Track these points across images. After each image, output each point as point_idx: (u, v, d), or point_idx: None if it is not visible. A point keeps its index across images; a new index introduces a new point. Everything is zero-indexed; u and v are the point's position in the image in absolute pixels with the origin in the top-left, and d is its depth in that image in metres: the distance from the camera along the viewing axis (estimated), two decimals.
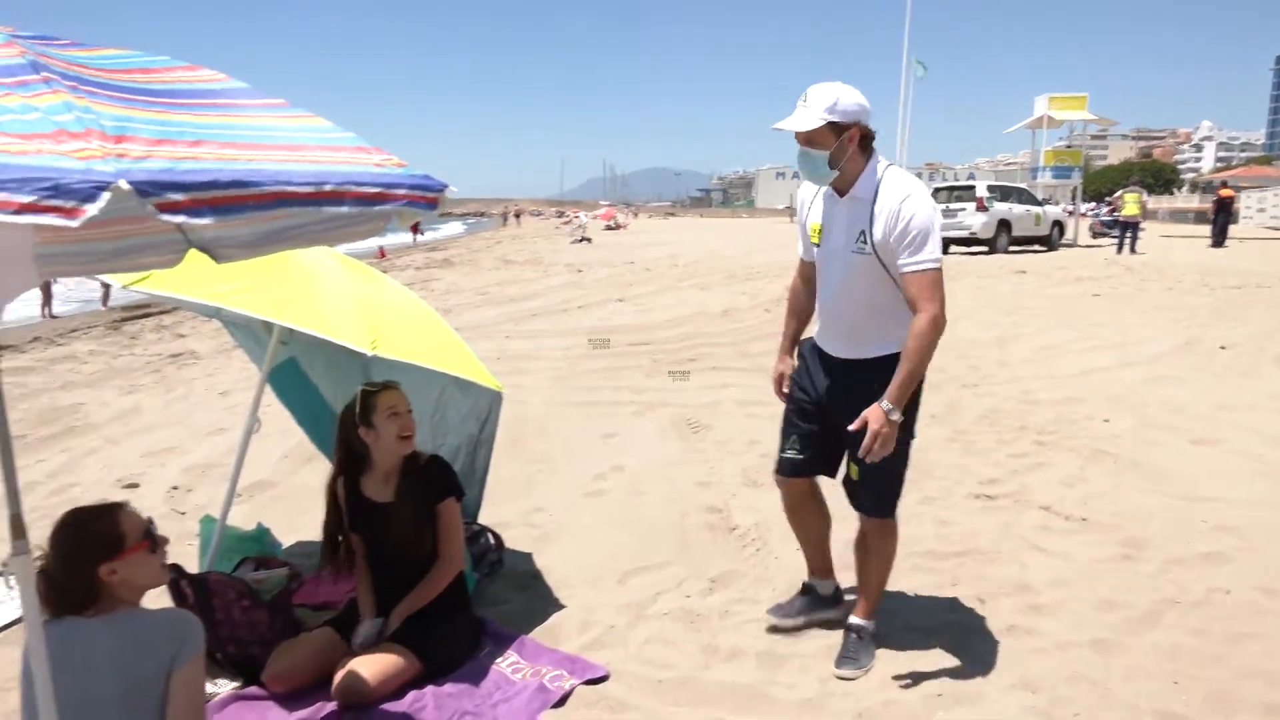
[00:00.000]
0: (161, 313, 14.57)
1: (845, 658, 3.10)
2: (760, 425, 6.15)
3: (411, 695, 2.97)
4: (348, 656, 3.04)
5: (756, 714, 2.84)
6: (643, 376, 8.42)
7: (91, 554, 2.15)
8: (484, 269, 23.33)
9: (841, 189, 2.89)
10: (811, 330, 3.26)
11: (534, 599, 3.74)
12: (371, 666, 2.97)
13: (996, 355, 8.79)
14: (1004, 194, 22.86)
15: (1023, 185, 26.67)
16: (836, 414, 2.98)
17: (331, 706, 2.93)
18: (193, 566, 3.58)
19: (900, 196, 2.76)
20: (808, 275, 3.26)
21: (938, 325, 2.72)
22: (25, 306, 16.13)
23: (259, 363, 4.43)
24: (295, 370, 4.17)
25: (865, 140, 2.82)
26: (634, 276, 19.01)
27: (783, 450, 3.24)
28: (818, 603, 3.42)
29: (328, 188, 1.37)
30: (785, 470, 3.25)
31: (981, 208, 21.68)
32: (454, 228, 63.94)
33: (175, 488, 5.30)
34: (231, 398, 8.00)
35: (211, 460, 5.85)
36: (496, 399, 3.79)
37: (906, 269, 2.75)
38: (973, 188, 22.96)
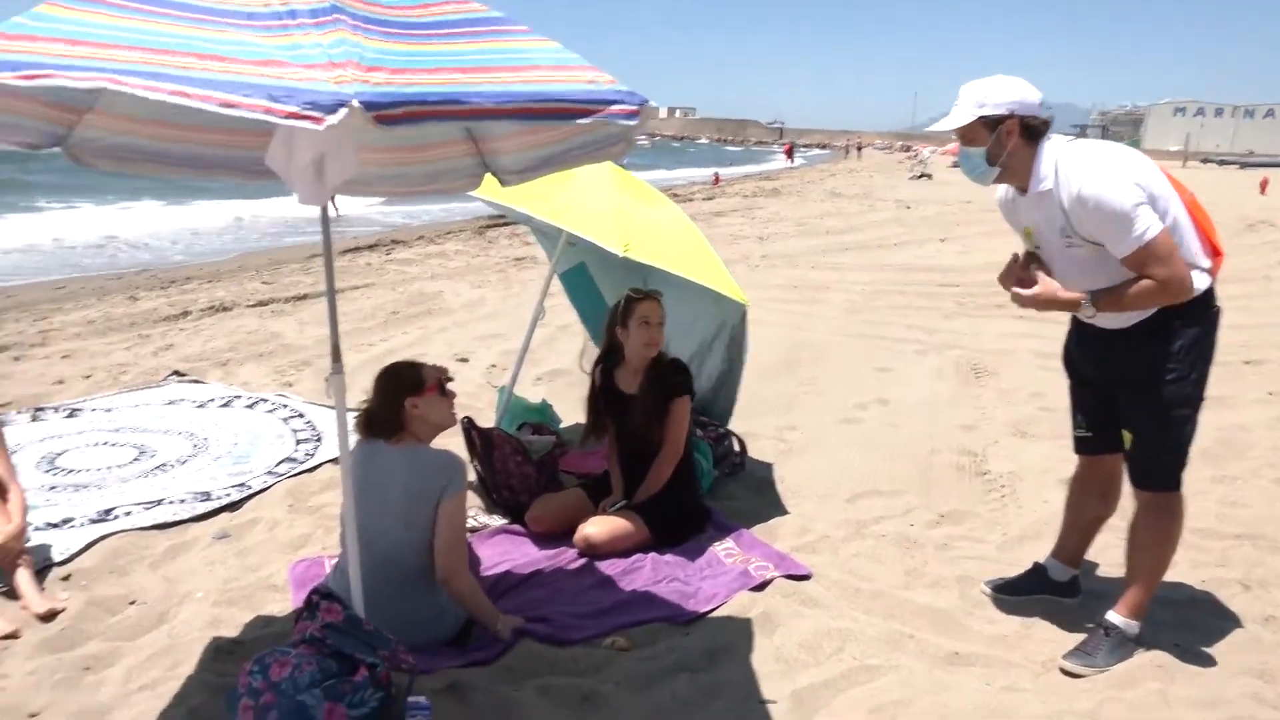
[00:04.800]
0: (516, 223, 16.57)
1: (1080, 651, 2.74)
2: (1051, 379, 5.71)
3: (635, 556, 3.43)
4: (592, 515, 3.57)
5: (946, 635, 2.89)
6: (940, 317, 8.14)
7: (400, 390, 2.81)
8: (810, 200, 23.26)
9: (1020, 185, 2.65)
10: None
11: (763, 502, 4.01)
12: (607, 526, 3.47)
13: None
14: None
15: None
16: (1108, 382, 2.79)
17: (572, 551, 3.49)
18: (489, 425, 4.33)
19: (1078, 183, 2.46)
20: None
21: (1168, 288, 2.47)
22: (415, 211, 19.12)
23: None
24: (585, 275, 4.77)
25: (1030, 130, 2.55)
26: (967, 216, 17.87)
27: (1074, 429, 3.04)
28: (1047, 587, 3.12)
29: (536, 105, 1.69)
30: (1077, 449, 3.05)
31: None
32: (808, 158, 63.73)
33: (494, 365, 6.29)
34: (558, 298, 9.05)
35: (529, 347, 6.80)
36: (742, 313, 4.04)
37: (1120, 255, 2.48)
38: None
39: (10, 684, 2.59)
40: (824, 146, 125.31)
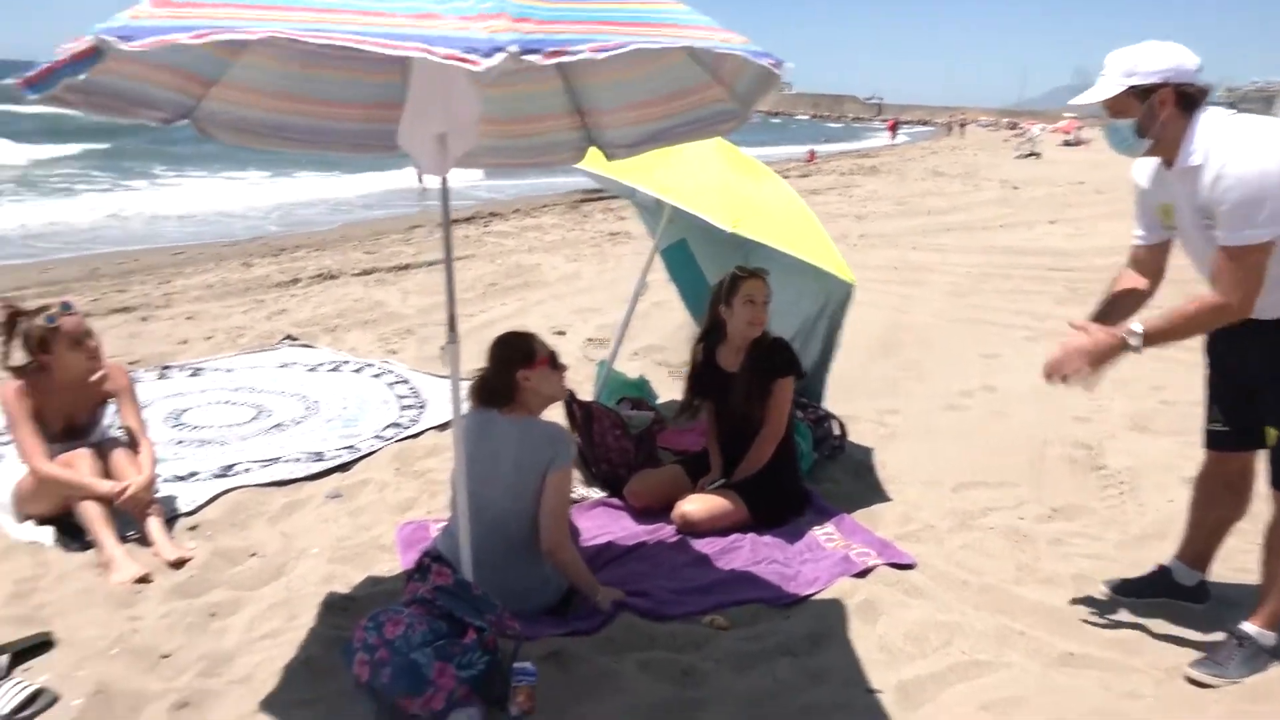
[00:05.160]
0: (610, 198, 16.60)
1: (1210, 660, 2.58)
2: (1173, 372, 5.43)
3: (734, 536, 3.41)
4: (690, 493, 3.56)
5: (1060, 635, 2.77)
6: (1051, 303, 7.79)
7: (513, 361, 2.86)
8: (910, 179, 22.56)
9: (1168, 159, 2.45)
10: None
11: (864, 486, 3.93)
12: (706, 504, 3.46)
13: None
14: None
15: None
16: (1253, 373, 2.61)
17: (669, 528, 3.49)
18: (587, 398, 4.37)
19: (1223, 160, 2.26)
20: (1140, 259, 2.77)
21: (1223, 312, 2.32)
22: (508, 185, 19.42)
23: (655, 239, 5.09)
24: (685, 252, 4.73)
25: (1186, 100, 2.34)
26: (1078, 198, 17.04)
27: (1208, 421, 2.86)
28: (1172, 591, 2.95)
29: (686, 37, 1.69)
30: (1208, 443, 2.88)
31: None
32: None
33: (590, 339, 6.33)
34: (651, 275, 9.06)
35: (620, 321, 6.82)
36: (848, 291, 3.94)
37: (1220, 242, 2.30)
38: None
39: (144, 625, 2.75)
40: (925, 123, 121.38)
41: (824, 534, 3.46)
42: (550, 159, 3.21)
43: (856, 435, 4.43)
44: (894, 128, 54.74)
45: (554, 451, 2.79)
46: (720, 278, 3.64)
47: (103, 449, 3.39)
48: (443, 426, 4.56)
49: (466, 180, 20.06)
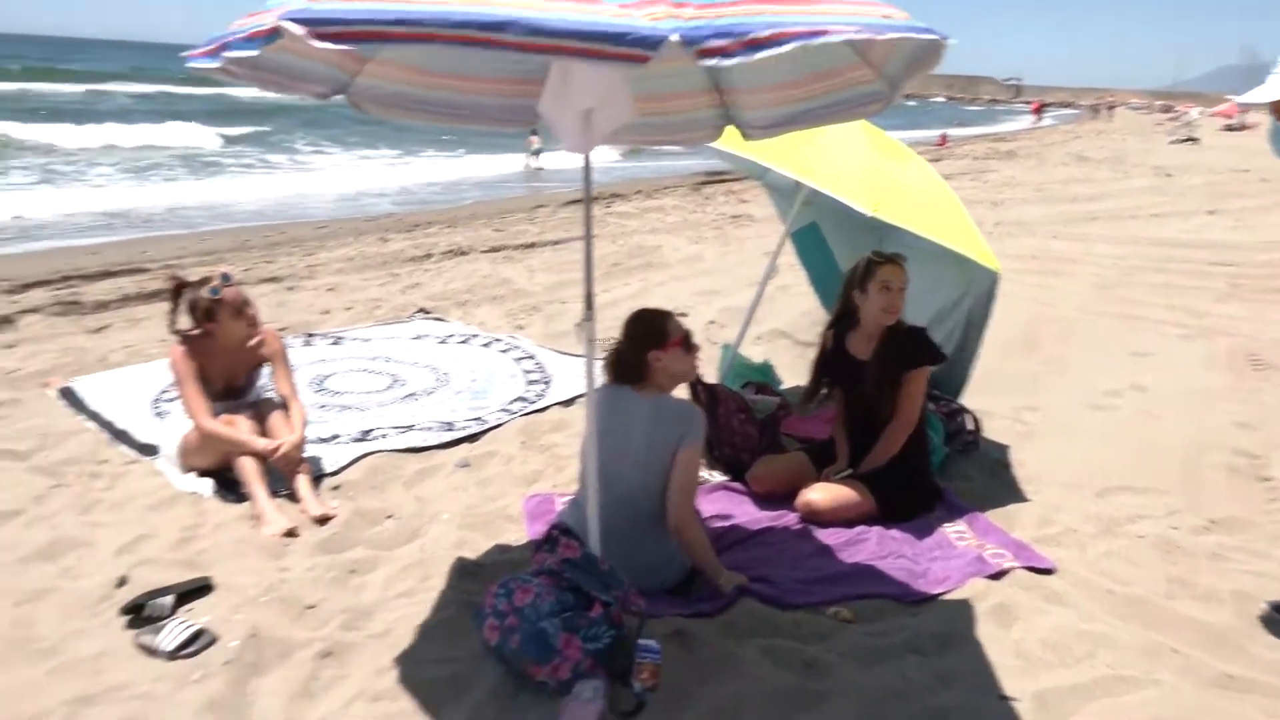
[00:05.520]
0: (732, 180, 16.45)
1: None
2: None
3: (860, 528, 3.32)
4: (815, 481, 3.49)
5: (1218, 655, 2.58)
6: (1210, 300, 7.23)
7: (647, 340, 2.86)
8: (1051, 164, 21.37)
9: None
10: None
11: (999, 485, 3.76)
12: (831, 494, 3.39)
13: None
14: None
15: None
16: None
17: (793, 515, 3.44)
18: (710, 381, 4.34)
19: None
20: None
21: None
22: (628, 167, 19.55)
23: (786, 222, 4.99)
24: (816, 235, 4.62)
25: None
26: (1241, 187, 15.74)
27: None
28: None
29: (831, 28, 1.62)
30: None
31: None
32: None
33: (712, 322, 6.30)
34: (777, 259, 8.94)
35: (744, 304, 6.74)
36: (993, 280, 3.76)
37: None
38: None
39: (292, 577, 2.92)
40: (1068, 106, 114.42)
41: (955, 532, 3.33)
42: (687, 137, 3.18)
43: (992, 431, 4.24)
44: (1039, 110, 51.41)
45: (686, 428, 2.79)
46: (853, 262, 3.53)
47: (259, 409, 3.62)
48: (568, 402, 4.64)
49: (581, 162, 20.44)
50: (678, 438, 2.78)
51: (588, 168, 2.57)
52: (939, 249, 3.61)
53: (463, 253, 9.22)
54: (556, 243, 9.89)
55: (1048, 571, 3.02)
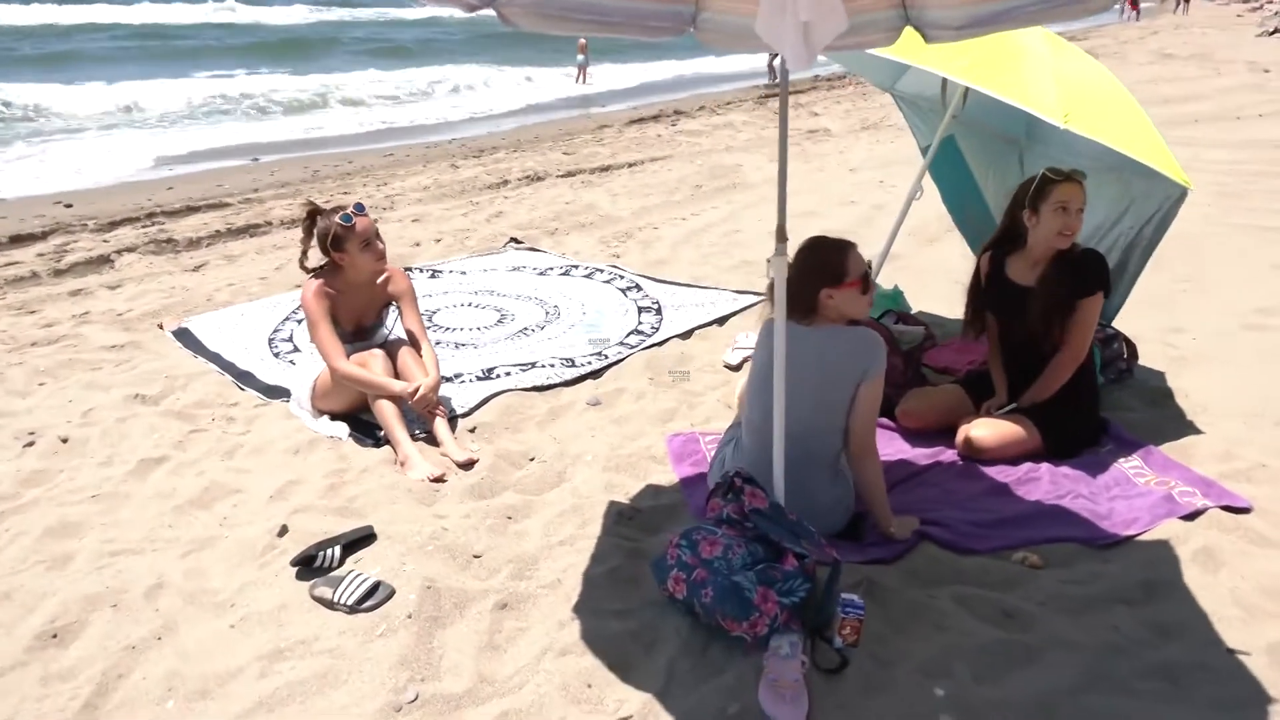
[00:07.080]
0: (800, 92, 15.80)
1: None
2: None
3: (1027, 465, 3.14)
4: (972, 416, 3.31)
5: None
6: None
7: (818, 276, 2.64)
8: (1133, 63, 20.12)
9: None
10: None
11: (1164, 416, 3.53)
12: (995, 429, 3.20)
13: None
14: None
15: None
16: None
17: (951, 453, 3.26)
18: None
19: None
20: None
21: None
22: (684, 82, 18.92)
23: (919, 138, 4.66)
24: (953, 149, 4.30)
25: None
26: None
27: None
28: None
29: None
30: None
31: None
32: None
33: None
34: (860, 174, 8.55)
35: (844, 228, 6.45)
36: (1180, 196, 3.45)
37: None
38: None
39: (451, 524, 2.85)
40: None
41: (1131, 468, 3.13)
42: (862, 40, 2.87)
43: (1144, 358, 3.98)
44: (1135, 3, 47.07)
45: (870, 360, 2.60)
46: (989, 175, 3.22)
47: (390, 350, 3.52)
48: (686, 334, 4.48)
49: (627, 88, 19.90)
50: (860, 371, 2.59)
51: (784, 82, 2.34)
52: (1120, 164, 3.30)
53: (539, 178, 8.99)
54: (632, 165, 9.59)
55: (1244, 510, 2.82)
